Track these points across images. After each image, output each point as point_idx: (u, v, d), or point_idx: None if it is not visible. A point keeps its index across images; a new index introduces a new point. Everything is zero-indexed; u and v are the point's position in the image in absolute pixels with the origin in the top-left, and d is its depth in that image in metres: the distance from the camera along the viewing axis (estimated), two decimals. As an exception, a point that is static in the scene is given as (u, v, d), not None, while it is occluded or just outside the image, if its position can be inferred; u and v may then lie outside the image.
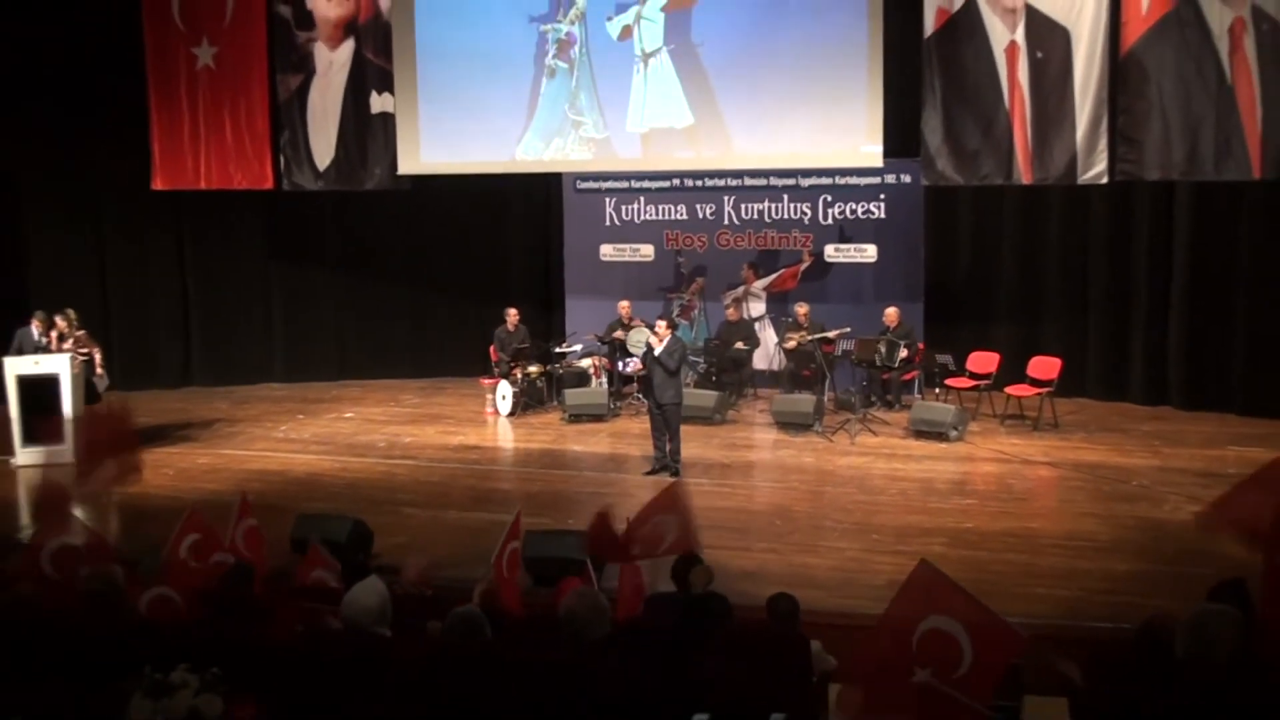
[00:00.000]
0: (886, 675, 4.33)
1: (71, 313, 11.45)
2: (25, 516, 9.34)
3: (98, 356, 11.44)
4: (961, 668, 4.27)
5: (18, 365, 10.81)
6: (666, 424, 10.12)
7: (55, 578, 5.93)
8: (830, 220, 13.32)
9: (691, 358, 13.19)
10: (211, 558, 6.43)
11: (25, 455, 10.75)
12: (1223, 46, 10.12)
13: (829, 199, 13.29)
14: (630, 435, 11.50)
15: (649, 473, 10.11)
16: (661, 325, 10.28)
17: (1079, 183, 10.94)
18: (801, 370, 12.61)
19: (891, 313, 12.27)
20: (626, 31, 12.53)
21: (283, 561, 7.41)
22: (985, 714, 3.01)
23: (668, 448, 10.12)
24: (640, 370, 10.44)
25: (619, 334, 12.79)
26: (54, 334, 11.19)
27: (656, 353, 10.01)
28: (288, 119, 13.65)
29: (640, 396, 11.12)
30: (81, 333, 11.38)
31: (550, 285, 14.80)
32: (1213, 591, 4.92)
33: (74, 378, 10.87)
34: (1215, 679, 3.64)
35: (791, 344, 12.54)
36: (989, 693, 4.33)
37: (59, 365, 10.81)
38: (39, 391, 10.75)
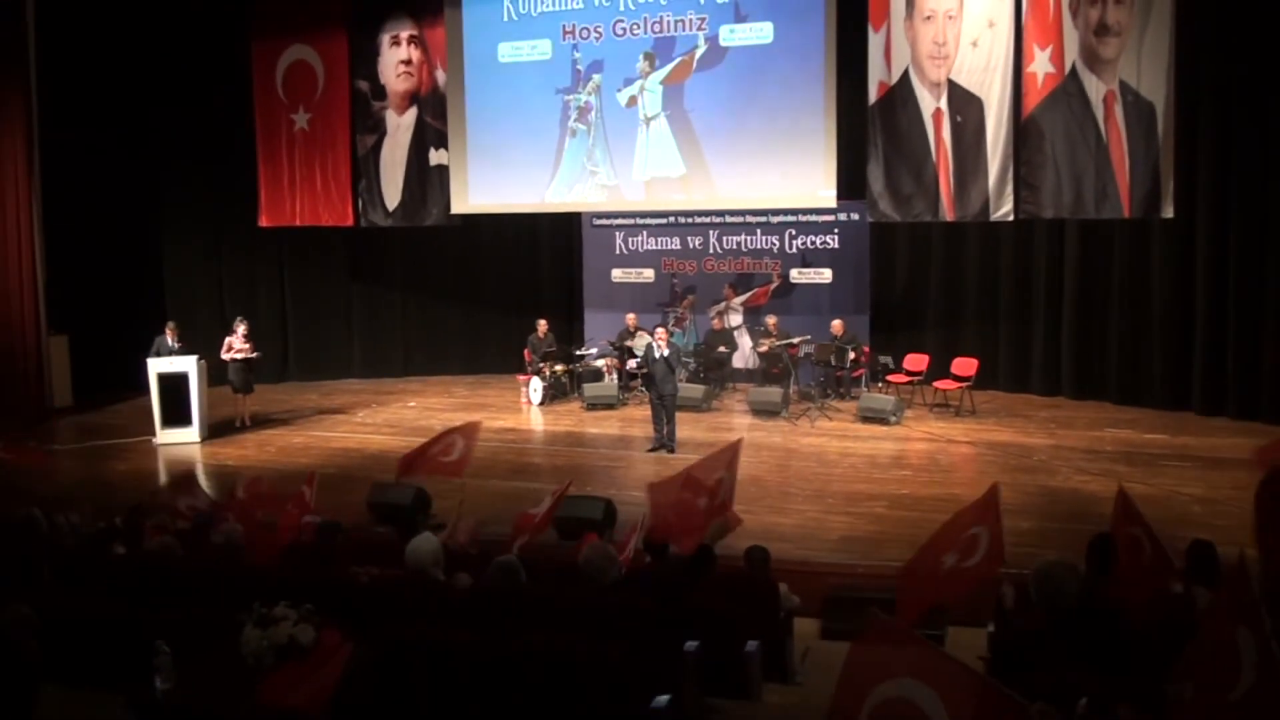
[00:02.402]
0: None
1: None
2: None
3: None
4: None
5: (158, 365, 10.88)
6: (666, 411, 10.12)
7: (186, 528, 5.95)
8: (794, 249, 13.30)
9: (684, 358, 13.21)
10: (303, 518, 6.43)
11: (164, 436, 10.82)
12: (1099, 113, 10.12)
13: (793, 232, 13.27)
14: (635, 420, 11.50)
15: (650, 450, 10.12)
16: (661, 332, 10.31)
17: (991, 219, 10.92)
18: (771, 368, 12.60)
19: (837, 324, 12.26)
20: (632, 100, 12.52)
21: (359, 520, 7.45)
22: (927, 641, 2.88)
23: (665, 430, 10.13)
24: (644, 368, 10.41)
25: (629, 342, 12.79)
26: (240, 333, 11.47)
27: (663, 354, 10.04)
28: (364, 170, 13.67)
29: (644, 389, 11.12)
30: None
31: (572, 301, 14.77)
32: (1090, 544, 4.91)
33: (237, 371, 11.45)
34: (1065, 618, 3.62)
35: (764, 348, 12.54)
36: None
37: (188, 365, 10.87)
38: (173, 387, 10.82)
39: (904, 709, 2.70)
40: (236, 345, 11.42)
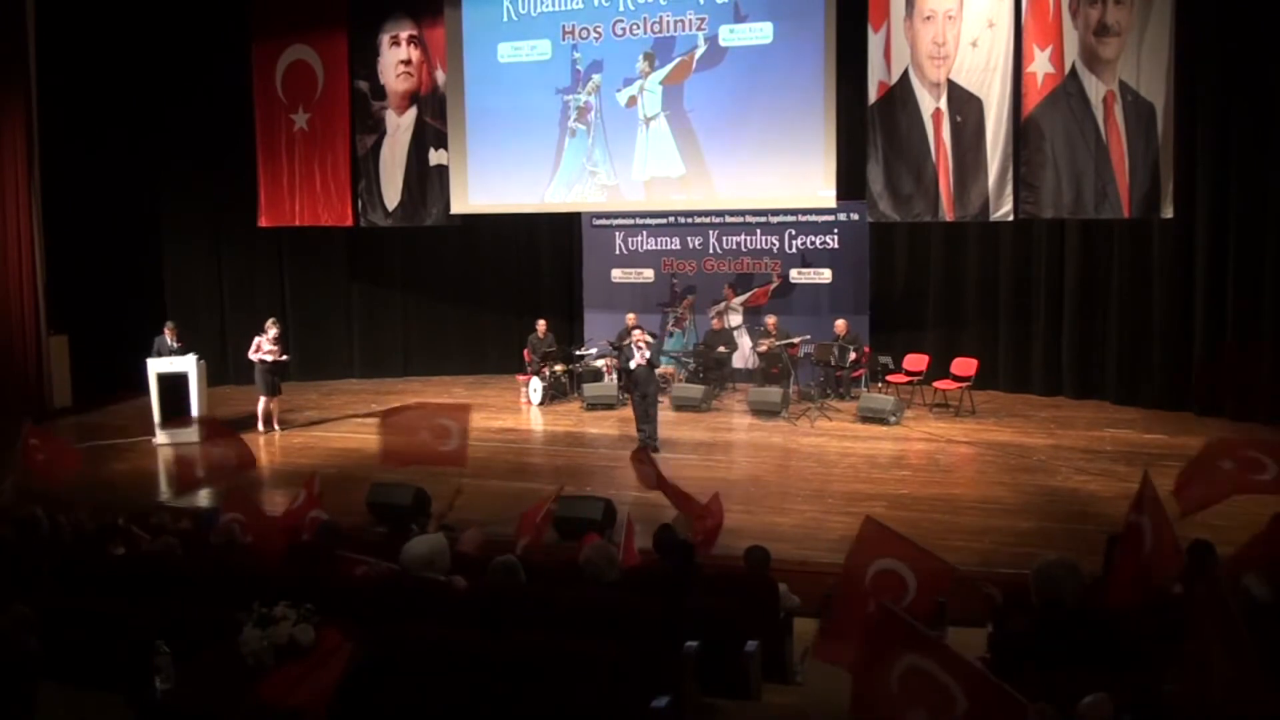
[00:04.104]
0: (846, 612, 4.28)
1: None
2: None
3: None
4: (907, 597, 4.27)
5: (157, 365, 10.86)
6: (646, 409, 10.12)
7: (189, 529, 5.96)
8: (794, 249, 13.30)
9: (683, 358, 13.23)
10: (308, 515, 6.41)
11: (163, 436, 10.81)
12: (1099, 113, 10.13)
13: (793, 232, 13.28)
14: (635, 420, 11.49)
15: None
16: (638, 334, 10.51)
17: (991, 219, 10.93)
18: (771, 368, 12.59)
19: (840, 324, 12.27)
20: (632, 100, 12.53)
21: (360, 520, 7.45)
22: (929, 633, 2.94)
23: (648, 430, 10.13)
24: (641, 364, 10.39)
25: (626, 341, 12.76)
26: (270, 335, 11.16)
27: (647, 355, 10.11)
28: (364, 170, 13.67)
29: (628, 390, 11.09)
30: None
31: (572, 301, 14.77)
32: (1108, 543, 4.92)
33: (263, 374, 11.15)
34: (1063, 617, 3.64)
35: (763, 348, 12.53)
36: (930, 613, 4.31)
37: (187, 365, 10.85)
38: (173, 387, 10.80)
39: (925, 681, 2.77)
40: (266, 347, 11.16)
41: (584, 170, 12.82)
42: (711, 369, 12.96)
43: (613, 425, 11.48)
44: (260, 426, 11.31)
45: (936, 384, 11.84)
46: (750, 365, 13.27)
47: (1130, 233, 11.33)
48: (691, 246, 13.77)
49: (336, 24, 13.41)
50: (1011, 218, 10.75)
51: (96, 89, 13.17)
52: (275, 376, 11.30)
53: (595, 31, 12.54)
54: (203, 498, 8.48)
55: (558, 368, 12.97)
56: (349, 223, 13.71)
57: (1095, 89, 10.10)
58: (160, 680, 3.60)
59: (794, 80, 11.70)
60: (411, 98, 13.49)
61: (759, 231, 13.43)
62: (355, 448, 10.61)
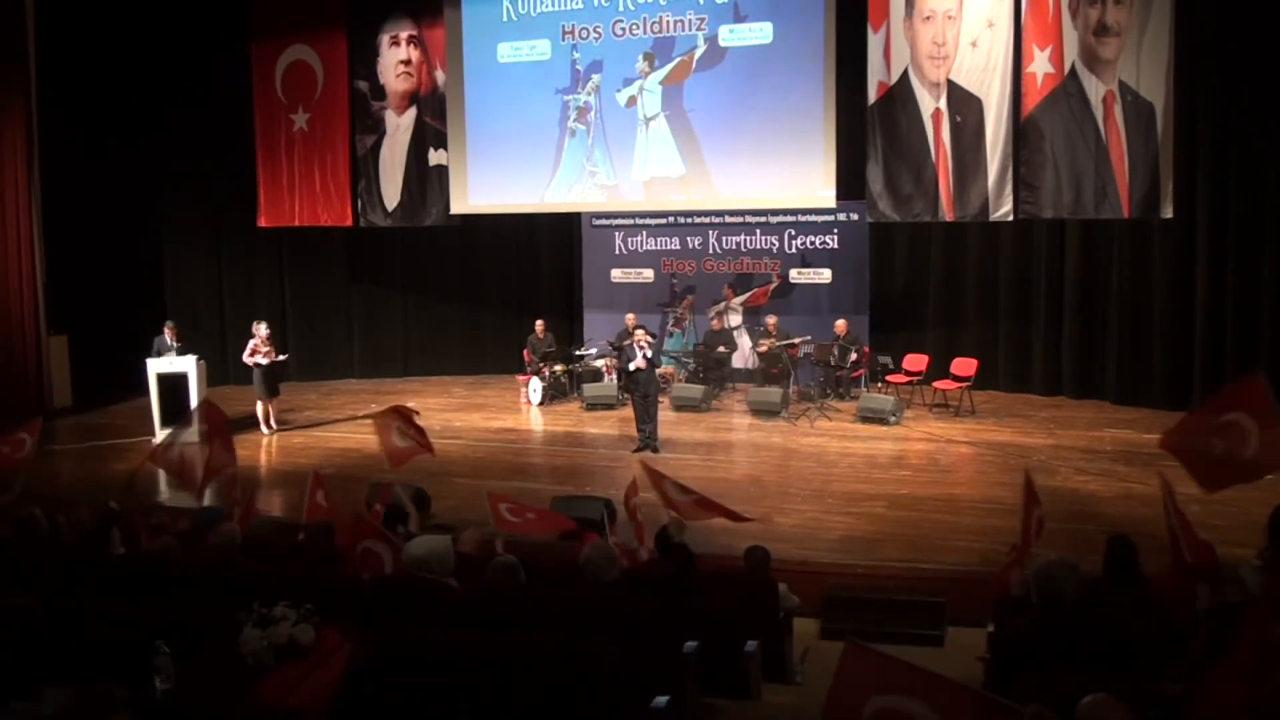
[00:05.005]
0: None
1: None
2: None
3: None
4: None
5: (157, 365, 10.86)
6: (647, 409, 10.13)
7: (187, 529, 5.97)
8: (794, 249, 13.30)
9: (682, 358, 13.22)
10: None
11: (163, 436, 10.78)
12: (1099, 113, 10.13)
13: (792, 232, 13.27)
14: (634, 420, 11.48)
15: (636, 450, 10.11)
16: (640, 334, 10.45)
17: (990, 219, 10.93)
18: (771, 369, 12.58)
19: (841, 324, 12.26)
20: (632, 100, 12.53)
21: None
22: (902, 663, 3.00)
23: (649, 429, 10.15)
24: (642, 366, 10.39)
25: (627, 341, 12.77)
26: (261, 336, 11.15)
27: (646, 355, 10.10)
28: (364, 170, 13.68)
29: (628, 390, 11.08)
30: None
31: (572, 301, 14.76)
32: (1108, 543, 4.93)
33: (261, 376, 11.17)
34: (1063, 617, 3.64)
35: (763, 348, 12.53)
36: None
37: (187, 365, 10.85)
38: (173, 387, 10.80)
39: (896, 718, 2.76)
40: (263, 349, 11.12)
41: (584, 170, 12.82)
42: (711, 369, 12.95)
43: (613, 425, 11.48)
44: (262, 428, 11.30)
45: (936, 384, 11.83)
46: (750, 365, 13.26)
47: (1130, 233, 11.33)
48: (691, 246, 13.76)
49: (336, 24, 13.41)
50: (1011, 218, 10.74)
51: (96, 89, 13.17)
52: (274, 378, 11.28)
53: (595, 31, 12.54)
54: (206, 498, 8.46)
55: (557, 368, 12.97)
56: (349, 223, 13.71)
57: (1095, 89, 10.11)
58: (160, 680, 3.60)
59: (794, 80, 11.70)
60: (411, 98, 13.49)
61: (759, 231, 13.42)
62: (355, 448, 10.61)
